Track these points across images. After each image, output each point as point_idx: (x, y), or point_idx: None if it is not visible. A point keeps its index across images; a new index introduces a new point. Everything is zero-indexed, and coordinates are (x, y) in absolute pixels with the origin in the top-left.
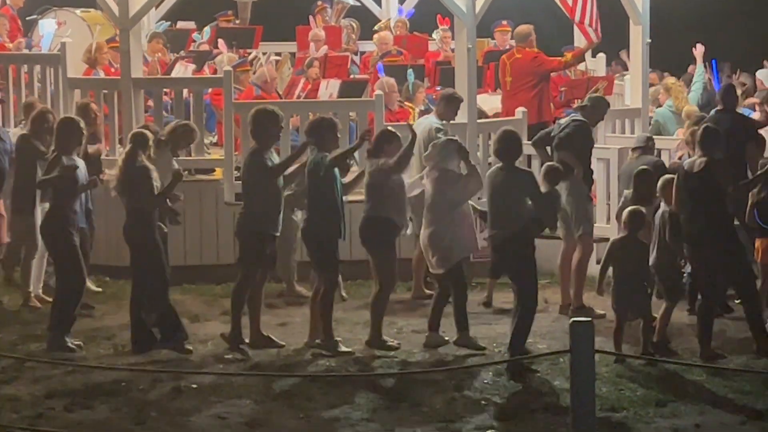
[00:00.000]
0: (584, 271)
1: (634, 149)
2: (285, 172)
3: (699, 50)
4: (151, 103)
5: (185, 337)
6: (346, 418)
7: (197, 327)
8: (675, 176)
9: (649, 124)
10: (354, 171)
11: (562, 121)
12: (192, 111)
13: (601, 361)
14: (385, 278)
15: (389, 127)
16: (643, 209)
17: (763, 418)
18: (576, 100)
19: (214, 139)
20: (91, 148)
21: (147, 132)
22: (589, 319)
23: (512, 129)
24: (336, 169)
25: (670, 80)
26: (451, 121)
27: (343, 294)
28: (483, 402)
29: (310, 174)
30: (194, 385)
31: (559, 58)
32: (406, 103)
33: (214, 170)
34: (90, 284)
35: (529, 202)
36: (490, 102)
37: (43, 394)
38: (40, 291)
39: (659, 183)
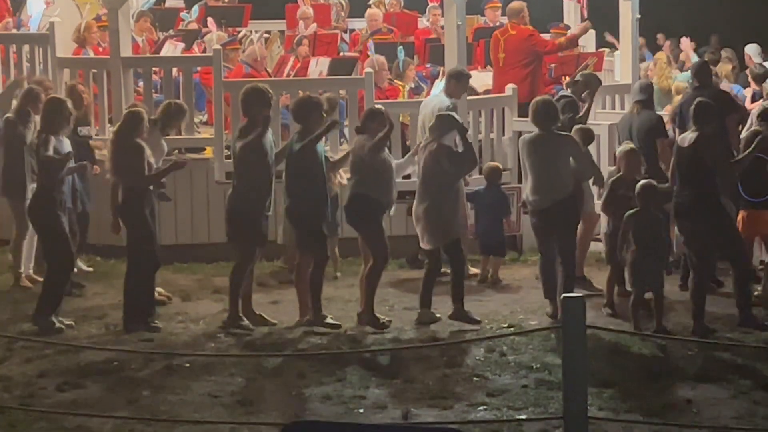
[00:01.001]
0: (587, 245)
1: (636, 102)
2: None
3: (685, 44)
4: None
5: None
6: (338, 396)
7: (189, 306)
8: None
9: None
10: (343, 149)
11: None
12: (182, 90)
13: (593, 337)
14: (377, 254)
15: (376, 105)
16: (655, 182)
17: (753, 392)
18: (565, 77)
19: (204, 118)
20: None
21: (140, 110)
22: (581, 294)
23: (547, 97)
24: (321, 147)
25: (658, 55)
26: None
27: (337, 274)
28: (475, 378)
29: (295, 153)
30: (186, 364)
31: (554, 40)
32: (396, 80)
33: (205, 149)
34: (81, 264)
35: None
36: (480, 79)
37: (35, 374)
38: (31, 271)
39: (619, 152)
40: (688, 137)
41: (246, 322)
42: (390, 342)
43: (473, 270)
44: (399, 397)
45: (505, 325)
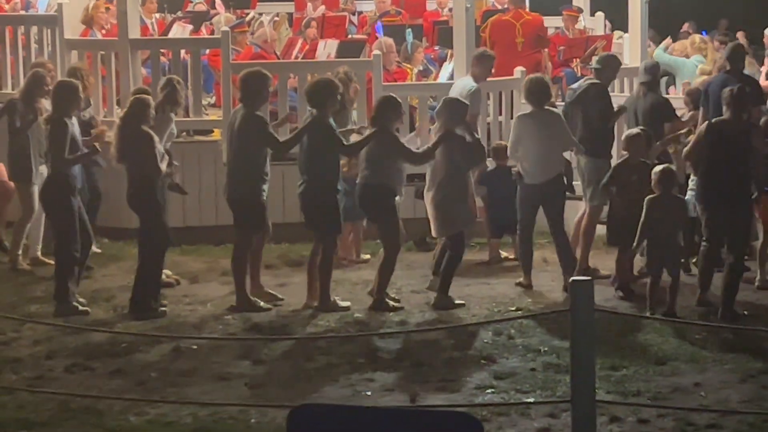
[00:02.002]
0: (592, 235)
1: (642, 83)
2: (292, 148)
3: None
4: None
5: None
6: (346, 379)
7: (197, 288)
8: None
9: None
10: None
11: (575, 86)
12: (190, 72)
13: (601, 320)
14: (389, 244)
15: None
16: (673, 167)
17: (762, 376)
18: (575, 59)
19: (212, 100)
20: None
21: (146, 97)
22: (589, 278)
23: (540, 75)
24: (335, 130)
25: (697, 37)
26: (449, 81)
27: (364, 256)
28: (483, 361)
29: (311, 136)
30: (194, 346)
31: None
32: (404, 63)
33: (213, 131)
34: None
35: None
36: None
37: (44, 356)
38: (39, 253)
39: (624, 136)
40: (727, 124)
41: (260, 303)
42: (397, 325)
43: (504, 254)
44: (407, 380)
45: (513, 308)
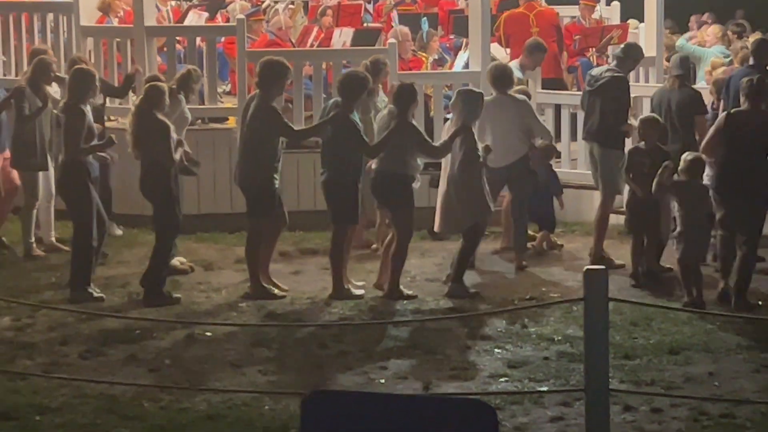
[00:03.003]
0: (605, 225)
1: (675, 76)
2: (308, 138)
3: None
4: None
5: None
6: (360, 366)
7: (211, 275)
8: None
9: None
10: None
11: (595, 72)
12: (205, 59)
13: (615, 309)
14: (402, 232)
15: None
16: (703, 156)
17: None
18: (590, 49)
19: (227, 88)
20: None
21: (161, 85)
22: (603, 267)
23: (501, 63)
24: (358, 120)
25: (718, 28)
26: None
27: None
28: (496, 350)
29: (335, 129)
30: (208, 333)
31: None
32: (419, 52)
33: (228, 119)
34: (115, 229)
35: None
36: (503, 51)
37: (58, 342)
38: (53, 239)
39: (639, 121)
40: (745, 115)
41: (274, 290)
42: (411, 313)
43: (554, 239)
44: (420, 368)
45: (527, 297)
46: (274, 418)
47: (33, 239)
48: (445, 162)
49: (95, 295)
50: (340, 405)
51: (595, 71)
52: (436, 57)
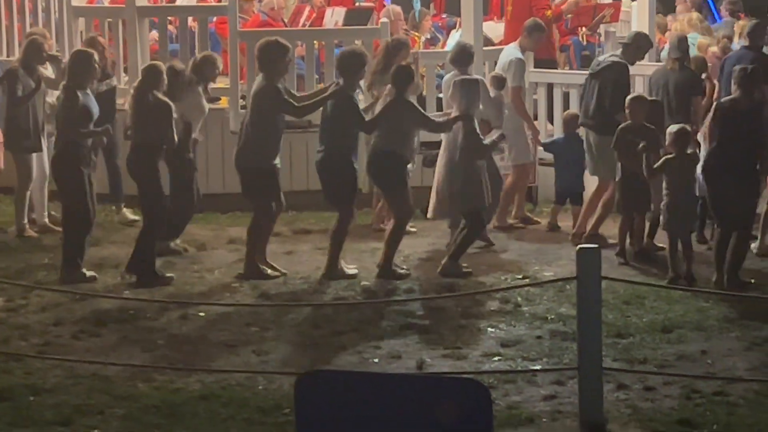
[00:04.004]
0: (611, 208)
1: (674, 59)
2: (310, 113)
3: None
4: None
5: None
6: (353, 345)
7: (204, 255)
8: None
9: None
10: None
11: (601, 58)
12: (197, 40)
13: (608, 288)
14: (399, 212)
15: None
16: (688, 127)
17: (767, 344)
18: (581, 27)
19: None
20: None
21: (159, 64)
22: (597, 245)
23: (463, 41)
24: (358, 103)
25: (695, 15)
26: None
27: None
28: (490, 329)
29: (335, 108)
30: (201, 314)
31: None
32: (411, 31)
33: (220, 99)
34: (128, 213)
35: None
36: (496, 29)
37: (51, 322)
38: (47, 220)
39: (627, 100)
40: (736, 103)
41: (267, 271)
42: (405, 292)
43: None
44: (414, 347)
45: (520, 276)
46: (267, 398)
47: (26, 220)
48: (443, 148)
49: (87, 275)
50: (334, 385)
51: (600, 58)
52: (429, 36)
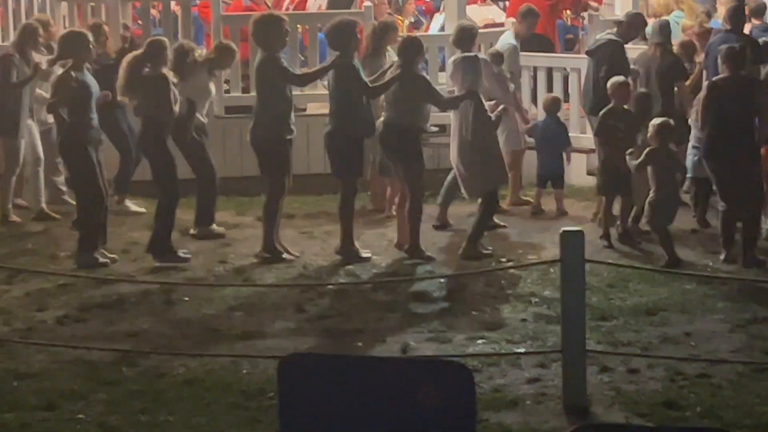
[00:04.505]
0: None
1: (656, 44)
2: (311, 82)
3: None
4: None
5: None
6: (337, 329)
7: (188, 239)
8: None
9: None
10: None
11: (598, 36)
12: (180, 24)
13: (591, 271)
14: (415, 187)
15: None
16: (671, 120)
17: (750, 326)
18: (565, 11)
19: (203, 53)
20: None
21: (163, 39)
22: (580, 228)
23: (468, 23)
24: (361, 74)
25: None
26: (440, 33)
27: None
28: (474, 312)
29: (338, 79)
30: (186, 298)
31: None
32: (395, 15)
33: None
34: (130, 204)
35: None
36: (480, 13)
37: (35, 308)
38: (44, 206)
39: (609, 84)
40: (727, 81)
41: (285, 254)
42: (388, 275)
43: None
44: (398, 330)
45: (504, 260)
46: (251, 383)
47: (11, 205)
48: (454, 130)
49: (101, 260)
50: (317, 368)
51: (598, 36)
52: (412, 20)
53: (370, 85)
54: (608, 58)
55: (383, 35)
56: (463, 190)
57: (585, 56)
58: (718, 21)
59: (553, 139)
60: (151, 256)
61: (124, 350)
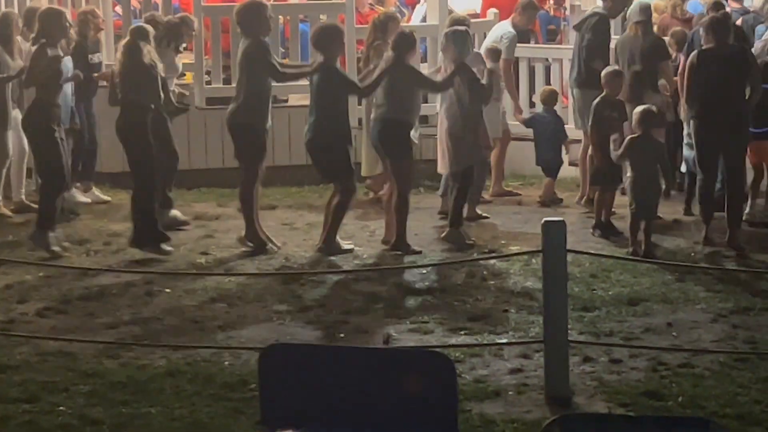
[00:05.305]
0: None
1: (637, 23)
2: (290, 81)
3: None
4: (119, 9)
5: (165, 238)
6: (320, 321)
7: (170, 232)
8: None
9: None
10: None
11: (587, 11)
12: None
13: (574, 261)
14: (403, 182)
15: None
16: (654, 108)
17: (732, 315)
18: (547, 0)
19: (184, 44)
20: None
21: (146, 26)
22: (561, 219)
23: (459, 14)
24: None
25: None
26: (421, 24)
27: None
28: (456, 303)
29: (322, 83)
30: (167, 290)
31: None
32: (376, 5)
33: (185, 74)
34: (98, 192)
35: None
36: (463, 3)
37: (16, 300)
38: (23, 197)
39: (603, 75)
40: (715, 49)
41: (270, 244)
42: (370, 266)
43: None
44: (380, 321)
45: (486, 250)
46: (233, 374)
47: (1, 197)
48: (445, 105)
49: (53, 247)
50: (299, 358)
51: (587, 11)
52: (394, 10)
53: (358, 85)
54: (591, 28)
55: (384, 27)
56: (444, 166)
57: (566, 47)
58: (698, 3)
59: (551, 132)
60: (139, 247)
61: (105, 342)
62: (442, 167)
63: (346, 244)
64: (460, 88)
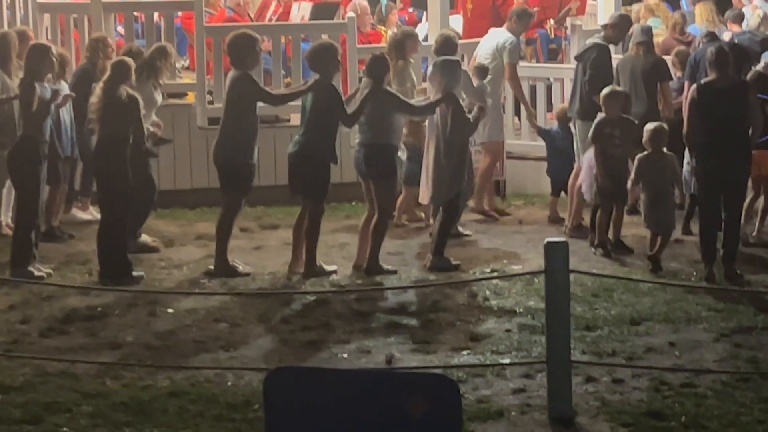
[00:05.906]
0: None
1: (638, 44)
2: (287, 103)
3: None
4: (121, 29)
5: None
6: (323, 341)
7: (172, 252)
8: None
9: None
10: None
11: (586, 42)
12: (163, 35)
13: (576, 281)
14: (385, 206)
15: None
16: (665, 125)
17: (735, 335)
18: (548, 20)
19: (186, 63)
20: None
21: (128, 60)
22: (564, 239)
23: (448, 31)
24: (341, 98)
25: (652, 1)
26: (423, 43)
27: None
28: (458, 323)
29: (317, 100)
30: (170, 310)
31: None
32: (378, 25)
33: (187, 94)
34: (94, 211)
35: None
36: (462, 23)
37: (19, 320)
38: (10, 220)
39: (602, 95)
40: (716, 83)
41: (240, 267)
42: (373, 287)
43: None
44: (382, 342)
45: (489, 270)
46: (236, 394)
47: (2, 218)
48: (430, 135)
49: (37, 274)
50: (303, 381)
51: (588, 41)
52: (395, 30)
53: (347, 112)
54: (592, 62)
55: (402, 45)
56: (425, 196)
57: (567, 66)
58: (696, 26)
59: (564, 149)
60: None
61: (108, 363)
62: (424, 197)
63: (328, 267)
64: (445, 118)
